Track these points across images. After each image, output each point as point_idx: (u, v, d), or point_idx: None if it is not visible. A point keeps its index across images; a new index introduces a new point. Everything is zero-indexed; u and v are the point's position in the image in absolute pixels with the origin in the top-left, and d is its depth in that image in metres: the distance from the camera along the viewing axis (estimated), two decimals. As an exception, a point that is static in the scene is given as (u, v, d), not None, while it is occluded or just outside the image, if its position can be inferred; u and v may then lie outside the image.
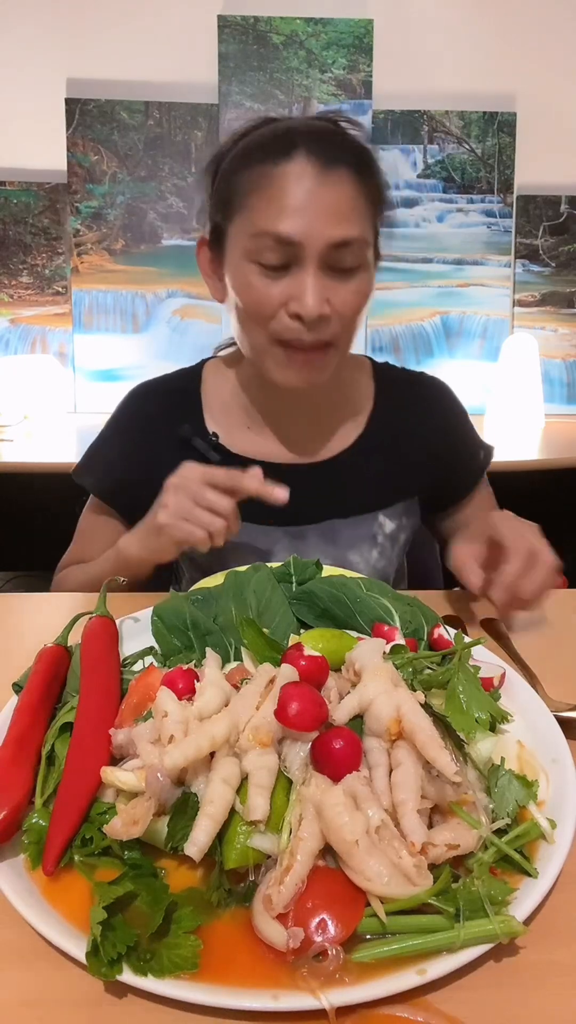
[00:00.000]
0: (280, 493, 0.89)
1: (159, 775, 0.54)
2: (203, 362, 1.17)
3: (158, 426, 1.09)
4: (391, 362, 1.21)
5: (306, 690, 0.58)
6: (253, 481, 0.89)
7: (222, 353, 1.17)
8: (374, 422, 1.12)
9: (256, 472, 0.90)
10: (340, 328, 0.94)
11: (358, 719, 0.60)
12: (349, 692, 0.62)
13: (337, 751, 0.56)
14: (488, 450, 1.21)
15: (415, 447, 1.12)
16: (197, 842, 0.51)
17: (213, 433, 1.08)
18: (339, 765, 0.56)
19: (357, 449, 1.10)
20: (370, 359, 1.19)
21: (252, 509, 1.03)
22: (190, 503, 0.89)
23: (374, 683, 0.61)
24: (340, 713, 0.60)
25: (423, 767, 0.56)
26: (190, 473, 0.91)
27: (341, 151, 0.93)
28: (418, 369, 1.21)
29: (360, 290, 0.94)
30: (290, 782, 0.56)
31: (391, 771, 0.56)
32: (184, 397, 1.12)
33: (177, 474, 0.91)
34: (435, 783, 0.55)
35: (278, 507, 1.03)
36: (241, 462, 1.06)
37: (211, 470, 0.90)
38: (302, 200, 0.89)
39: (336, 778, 0.55)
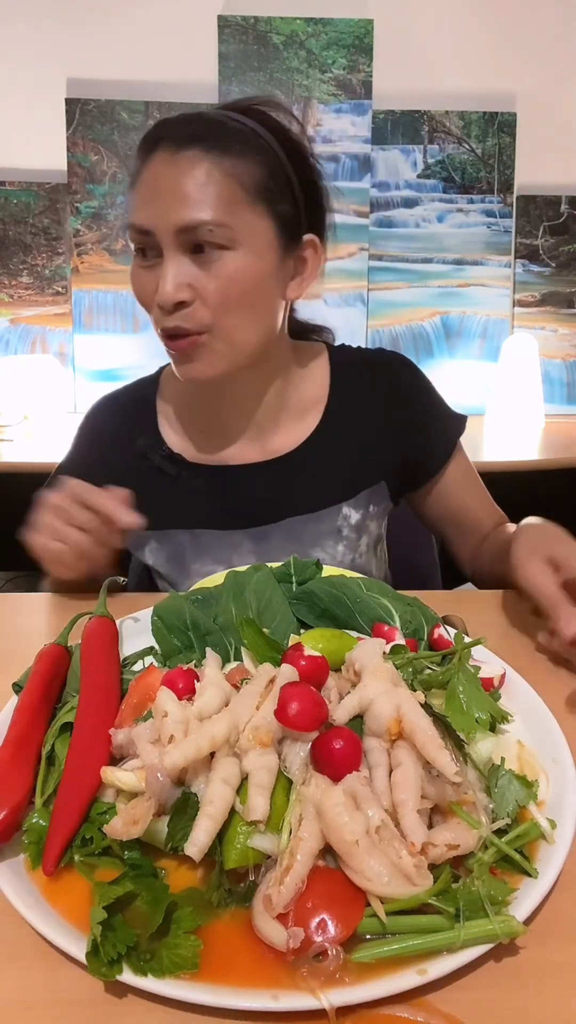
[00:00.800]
0: (126, 519, 0.86)
1: (159, 775, 0.54)
2: (162, 369, 1.15)
3: (116, 439, 1.09)
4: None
5: (306, 690, 0.58)
6: (108, 502, 0.87)
7: None
8: (330, 412, 1.09)
9: (117, 494, 0.88)
10: (208, 315, 0.90)
11: (358, 719, 0.60)
12: (349, 692, 0.62)
13: (337, 751, 0.56)
14: (458, 421, 1.15)
15: (374, 429, 1.09)
16: (197, 842, 0.51)
17: (166, 446, 1.07)
18: (339, 765, 0.56)
19: (313, 442, 1.08)
20: (327, 344, 1.14)
21: (213, 515, 1.06)
22: (57, 522, 0.88)
23: (374, 683, 0.61)
24: (340, 713, 0.60)
25: (423, 767, 0.56)
26: (59, 492, 0.89)
27: (195, 132, 0.90)
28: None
29: (227, 275, 0.89)
30: (290, 782, 0.56)
31: (391, 771, 0.56)
32: (141, 408, 1.11)
33: (47, 495, 0.90)
34: (435, 783, 0.55)
35: (238, 510, 1.06)
36: (198, 469, 1.06)
37: (79, 488, 0.88)
38: (152, 188, 0.89)
39: (336, 778, 0.55)
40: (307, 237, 0.97)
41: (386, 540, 1.20)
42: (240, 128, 0.92)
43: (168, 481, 1.07)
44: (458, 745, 0.59)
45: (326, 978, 0.47)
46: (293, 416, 1.08)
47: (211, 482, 1.07)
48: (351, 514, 1.08)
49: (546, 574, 0.84)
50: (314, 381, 1.10)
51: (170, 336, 0.92)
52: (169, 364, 1.11)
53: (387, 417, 1.10)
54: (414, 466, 1.14)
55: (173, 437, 1.09)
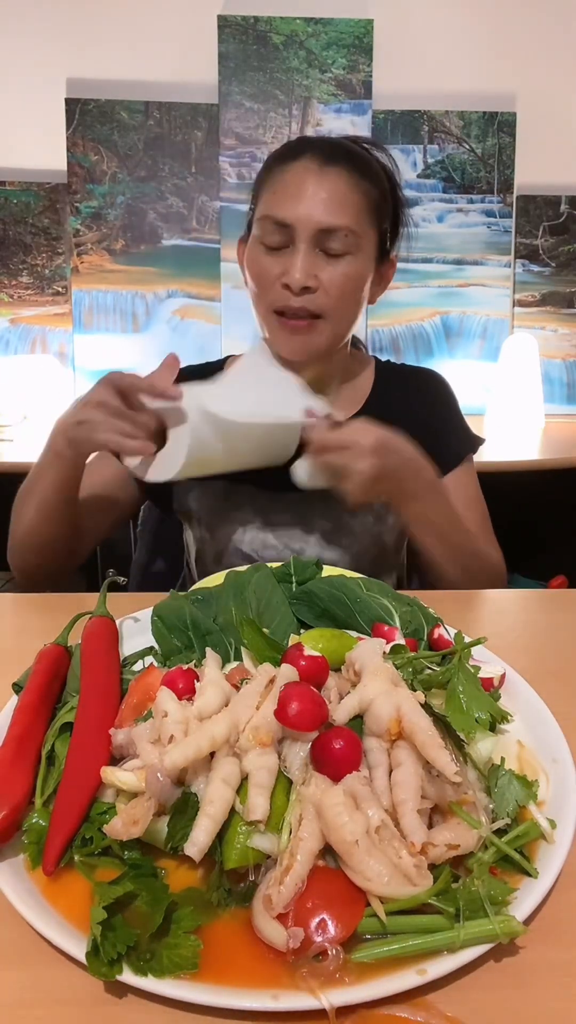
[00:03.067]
0: (174, 392, 0.96)
1: (159, 775, 0.54)
2: (227, 357, 1.29)
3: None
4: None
5: (306, 690, 0.58)
6: (158, 382, 0.97)
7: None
8: (369, 405, 1.22)
9: (160, 371, 1.01)
10: (327, 302, 1.05)
11: (358, 719, 0.60)
12: (349, 692, 0.62)
13: (337, 751, 0.56)
14: (470, 440, 1.24)
15: (403, 427, 1.12)
16: (197, 842, 0.51)
17: None
18: (339, 765, 0.56)
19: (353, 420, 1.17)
20: (376, 358, 1.29)
21: (256, 473, 1.12)
22: (115, 421, 0.95)
23: (374, 683, 0.61)
24: (340, 713, 0.60)
25: (423, 767, 0.56)
26: (102, 388, 0.96)
27: (339, 154, 1.07)
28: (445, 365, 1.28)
29: (347, 272, 1.06)
30: (290, 782, 0.56)
31: (391, 771, 0.56)
32: (203, 378, 1.20)
33: (95, 387, 0.98)
34: (435, 783, 0.55)
35: (280, 471, 1.11)
36: None
37: (124, 380, 0.96)
38: (298, 190, 1.04)
39: (336, 778, 0.55)
40: (392, 255, 1.18)
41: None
42: (367, 157, 1.12)
43: None
44: (458, 745, 0.59)
45: (326, 978, 0.47)
46: (339, 405, 1.20)
47: None
48: None
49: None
50: (361, 383, 1.25)
51: (290, 315, 1.06)
52: (232, 356, 1.27)
53: (412, 420, 1.16)
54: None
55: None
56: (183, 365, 1.27)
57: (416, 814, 0.53)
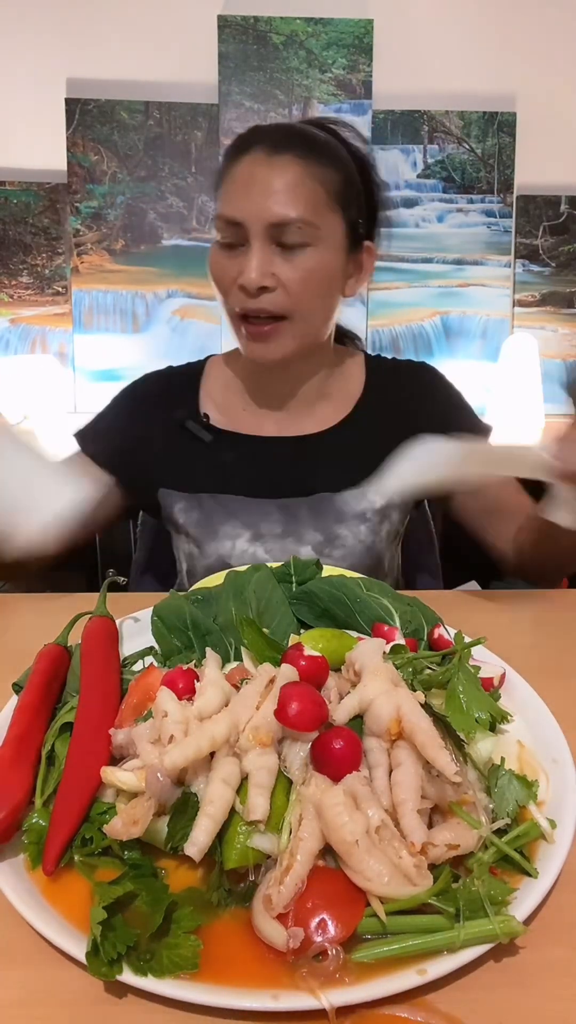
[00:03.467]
0: None
1: (159, 775, 0.54)
2: (208, 357, 1.25)
3: (156, 407, 1.18)
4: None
5: (306, 690, 0.58)
6: None
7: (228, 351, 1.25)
8: (362, 404, 1.18)
9: None
10: (288, 301, 1.00)
11: (358, 719, 0.60)
12: (349, 692, 0.62)
13: (337, 751, 0.56)
14: (482, 429, 1.20)
15: (402, 427, 1.09)
16: (197, 842, 0.51)
17: (204, 414, 1.16)
18: (339, 765, 0.56)
19: (345, 426, 1.16)
20: (365, 353, 1.25)
21: (243, 482, 1.12)
22: None
23: (374, 683, 0.61)
24: (340, 713, 0.60)
25: (423, 767, 0.56)
26: None
27: (291, 140, 1.01)
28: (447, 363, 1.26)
29: (308, 267, 1.00)
30: (290, 782, 0.56)
31: (391, 771, 0.56)
32: (186, 382, 1.21)
33: None
34: (435, 783, 0.55)
35: (268, 480, 1.12)
36: (231, 437, 1.15)
37: None
38: (247, 185, 0.99)
39: (336, 778, 0.55)
40: (366, 243, 1.10)
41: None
42: (324, 140, 1.05)
43: (202, 447, 1.15)
44: (458, 745, 0.59)
45: (326, 978, 0.47)
46: (328, 405, 1.18)
47: (244, 451, 1.15)
48: (376, 500, 1.13)
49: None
50: (350, 379, 1.20)
51: (250, 318, 1.02)
52: (213, 356, 1.25)
53: (414, 417, 1.15)
54: None
55: (213, 411, 1.17)
56: (174, 364, 1.26)
57: (416, 814, 0.53)
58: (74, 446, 1.19)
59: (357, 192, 1.06)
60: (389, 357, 1.26)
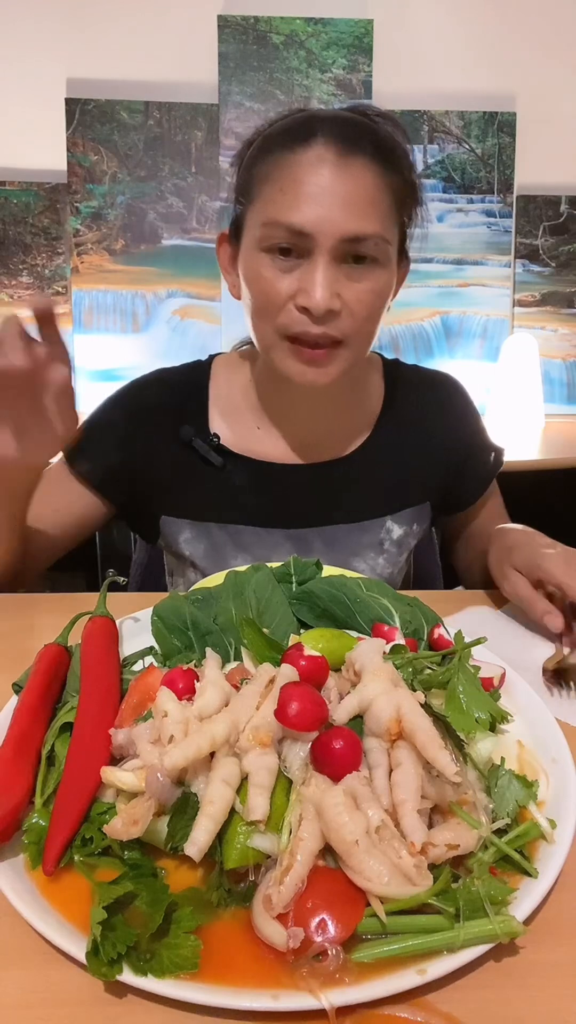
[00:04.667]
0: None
1: (159, 775, 0.54)
2: (212, 357, 1.13)
3: (160, 419, 1.05)
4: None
5: (306, 690, 0.58)
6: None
7: (235, 350, 1.14)
8: (383, 425, 1.08)
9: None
10: (352, 326, 0.89)
11: (358, 719, 0.60)
12: (349, 692, 0.62)
13: (337, 751, 0.56)
14: (499, 452, 1.17)
15: (423, 450, 1.09)
16: (197, 842, 0.51)
17: (214, 434, 1.04)
18: (339, 765, 0.56)
19: (364, 452, 1.07)
20: (381, 356, 1.14)
21: (254, 511, 1.04)
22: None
23: (374, 683, 0.61)
24: (340, 713, 0.60)
25: (423, 767, 0.56)
26: None
27: (362, 139, 0.87)
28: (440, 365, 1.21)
29: (375, 289, 0.89)
30: (290, 782, 0.56)
31: (391, 771, 0.56)
32: (191, 392, 1.08)
33: None
34: (435, 783, 0.55)
35: (281, 509, 1.03)
36: (244, 463, 1.04)
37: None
38: (316, 189, 0.85)
39: (336, 778, 0.55)
40: (408, 256, 0.99)
41: None
42: (391, 139, 0.91)
43: (211, 471, 1.04)
44: (458, 745, 0.59)
45: (326, 978, 0.47)
46: (348, 426, 1.08)
47: (256, 477, 1.05)
48: (394, 528, 1.07)
49: (518, 582, 0.90)
50: (371, 391, 1.10)
51: (310, 343, 0.89)
52: (220, 355, 1.12)
53: (435, 440, 1.10)
54: (451, 495, 1.14)
55: (222, 428, 1.06)
56: (164, 367, 1.11)
57: (416, 814, 0.53)
58: (60, 464, 1.06)
59: (414, 201, 0.95)
60: (409, 365, 1.15)
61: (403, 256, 0.98)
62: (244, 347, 1.12)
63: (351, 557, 1.05)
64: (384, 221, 0.88)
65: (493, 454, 1.16)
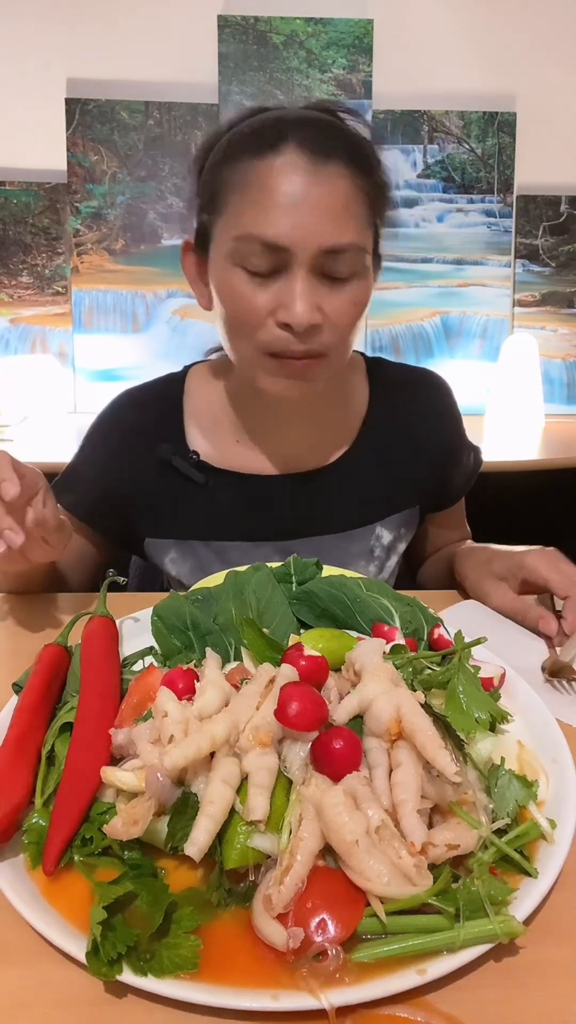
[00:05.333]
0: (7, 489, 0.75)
1: (159, 775, 0.54)
2: (188, 368, 1.10)
3: (137, 440, 1.03)
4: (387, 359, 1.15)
5: (306, 690, 0.58)
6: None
7: (210, 358, 1.11)
8: (369, 428, 1.06)
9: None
10: (334, 339, 0.87)
11: (358, 719, 0.60)
12: (349, 692, 0.62)
13: (337, 751, 0.56)
14: (477, 453, 1.16)
15: (410, 452, 1.07)
16: (197, 842, 0.51)
17: (193, 452, 1.02)
18: (339, 765, 0.56)
19: (350, 459, 1.05)
20: (363, 356, 1.11)
21: (240, 526, 1.02)
22: None
23: (374, 683, 0.61)
24: (340, 713, 0.60)
25: (423, 767, 0.56)
26: None
27: (335, 143, 0.84)
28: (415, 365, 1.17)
29: (355, 299, 0.87)
30: (290, 782, 0.56)
31: (391, 771, 0.56)
32: (166, 408, 1.05)
33: None
34: (435, 783, 0.55)
35: (267, 522, 1.02)
36: (227, 478, 1.02)
37: None
38: (290, 200, 0.81)
39: (336, 778, 0.55)
40: (382, 259, 0.96)
41: None
42: (361, 139, 0.88)
43: (193, 489, 1.02)
44: (458, 745, 0.59)
45: (326, 978, 0.47)
46: (333, 433, 1.05)
47: (240, 492, 1.02)
48: (384, 534, 1.06)
49: (506, 592, 0.92)
50: (355, 397, 1.07)
51: (284, 355, 0.86)
52: (196, 364, 1.09)
53: (422, 441, 1.08)
54: (435, 494, 1.13)
55: (202, 443, 1.03)
56: (143, 381, 1.08)
57: (416, 814, 0.53)
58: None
59: (385, 201, 0.91)
60: (392, 362, 1.13)
61: (377, 259, 0.95)
62: (218, 355, 1.09)
63: (341, 568, 1.04)
64: (360, 229, 0.85)
65: (472, 455, 1.15)
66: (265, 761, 0.55)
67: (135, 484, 1.02)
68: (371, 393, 1.08)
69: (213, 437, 1.04)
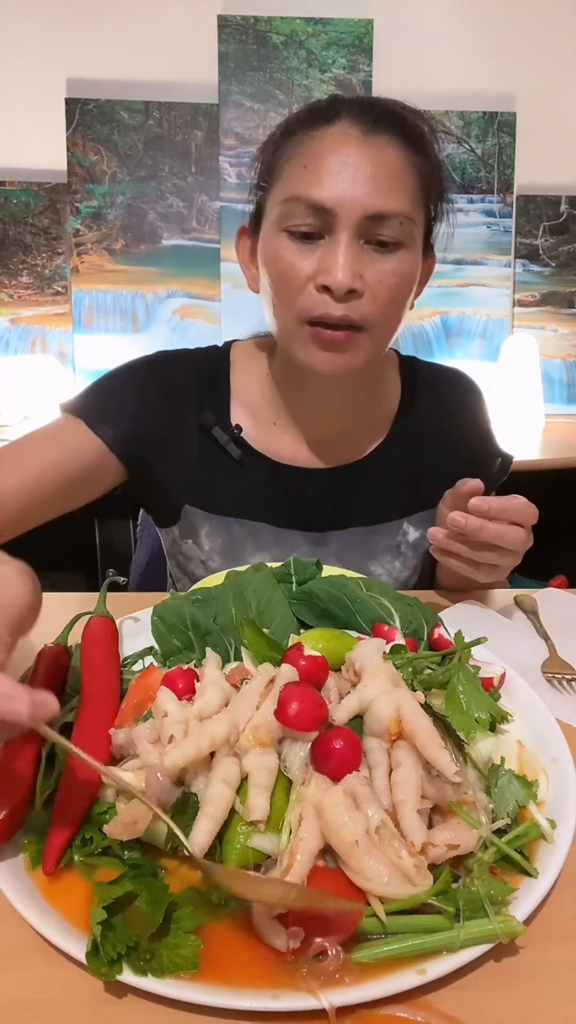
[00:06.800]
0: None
1: (159, 775, 0.54)
2: (229, 344, 1.09)
3: (183, 400, 1.02)
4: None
5: (306, 690, 0.58)
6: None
7: (252, 338, 1.10)
8: (400, 425, 1.06)
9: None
10: (374, 310, 0.86)
11: (358, 719, 0.60)
12: (349, 692, 0.62)
13: (337, 751, 0.56)
14: (506, 460, 1.15)
15: (439, 451, 1.08)
16: (197, 842, 0.51)
17: (236, 426, 1.01)
18: (339, 765, 0.56)
19: (381, 454, 1.05)
20: (397, 352, 1.12)
21: (273, 510, 1.02)
22: None
23: (374, 683, 0.61)
24: (340, 713, 0.60)
25: (423, 767, 0.56)
26: None
27: (388, 119, 0.86)
28: (445, 363, 1.16)
29: (399, 271, 0.86)
30: (290, 782, 0.56)
31: (391, 771, 0.56)
32: (213, 379, 1.04)
33: None
34: (435, 783, 0.55)
35: (299, 510, 1.02)
36: (262, 461, 1.02)
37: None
38: (339, 165, 0.83)
39: (336, 778, 0.55)
40: (433, 250, 0.97)
41: None
42: (415, 123, 0.89)
43: (231, 464, 1.01)
44: (458, 745, 0.59)
45: (326, 978, 0.47)
46: (366, 425, 1.06)
47: (273, 478, 1.02)
48: (410, 531, 1.06)
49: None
50: (387, 392, 1.08)
51: (328, 324, 0.86)
52: (235, 341, 1.09)
53: (451, 441, 1.08)
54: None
55: (244, 420, 1.03)
56: (184, 349, 1.06)
57: (416, 814, 0.53)
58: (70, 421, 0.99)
59: (440, 191, 0.93)
60: (425, 361, 1.13)
61: (428, 248, 0.96)
62: (261, 337, 1.09)
63: (368, 561, 1.04)
64: (410, 200, 0.86)
65: (500, 461, 1.15)
66: (265, 761, 0.55)
67: (177, 443, 1.00)
68: (404, 390, 1.08)
69: (252, 417, 1.04)
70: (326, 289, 0.84)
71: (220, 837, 0.53)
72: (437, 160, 0.92)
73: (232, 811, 0.54)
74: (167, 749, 0.55)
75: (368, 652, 0.65)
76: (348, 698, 0.61)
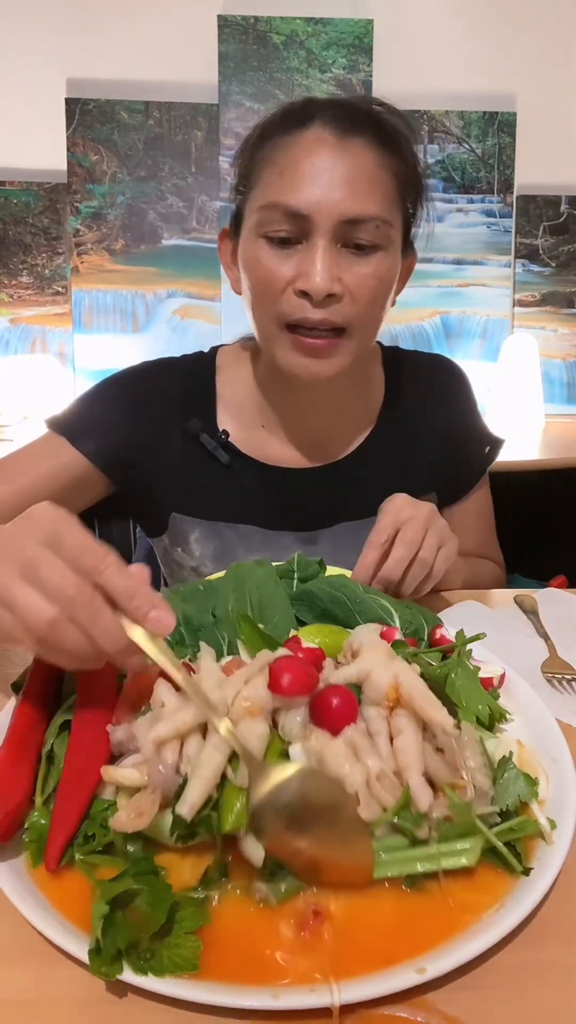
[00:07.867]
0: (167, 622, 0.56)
1: (160, 767, 0.55)
2: (215, 349, 1.10)
3: (167, 407, 1.02)
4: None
5: (296, 661, 0.60)
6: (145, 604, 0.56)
7: (238, 342, 1.11)
8: (386, 417, 1.07)
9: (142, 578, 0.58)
10: (354, 312, 0.87)
11: (357, 690, 0.61)
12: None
13: (335, 708, 0.58)
14: (495, 444, 1.15)
15: (426, 439, 1.08)
16: (188, 800, 0.52)
17: (223, 431, 1.02)
18: (337, 720, 0.57)
19: (369, 448, 1.06)
20: (379, 344, 1.12)
21: (262, 513, 1.03)
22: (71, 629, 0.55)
23: (371, 654, 0.62)
24: (337, 676, 0.61)
25: (424, 740, 0.57)
26: (82, 571, 0.56)
27: (361, 122, 0.86)
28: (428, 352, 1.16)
29: (377, 273, 0.87)
30: (283, 749, 0.57)
31: (391, 739, 0.58)
32: (198, 385, 1.05)
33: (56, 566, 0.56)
34: (435, 760, 0.56)
35: (289, 511, 1.02)
36: (250, 464, 1.03)
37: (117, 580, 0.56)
38: (315, 170, 0.83)
39: (335, 732, 0.57)
40: (414, 248, 0.97)
41: None
42: (393, 124, 0.90)
43: (219, 470, 1.02)
44: (453, 714, 0.60)
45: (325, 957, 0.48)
46: (353, 422, 1.06)
47: (264, 479, 1.03)
48: None
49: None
50: (373, 386, 1.08)
51: (304, 329, 0.87)
52: (222, 346, 1.10)
53: (438, 427, 1.09)
54: (450, 482, 1.12)
55: (231, 425, 1.03)
56: (168, 357, 1.07)
57: (422, 778, 0.55)
58: (52, 438, 1.00)
59: (417, 189, 0.93)
60: (407, 350, 1.14)
61: (408, 247, 0.96)
62: (247, 340, 1.10)
63: (359, 555, 1.05)
64: (385, 203, 0.86)
65: (488, 446, 1.15)
66: (255, 728, 0.56)
67: (160, 448, 1.01)
68: (388, 381, 1.09)
69: (239, 420, 1.04)
70: (305, 294, 0.85)
71: (217, 808, 0.54)
72: (414, 158, 0.92)
73: (226, 780, 0.54)
74: (155, 725, 0.57)
75: (365, 632, 0.67)
76: (346, 667, 0.62)
